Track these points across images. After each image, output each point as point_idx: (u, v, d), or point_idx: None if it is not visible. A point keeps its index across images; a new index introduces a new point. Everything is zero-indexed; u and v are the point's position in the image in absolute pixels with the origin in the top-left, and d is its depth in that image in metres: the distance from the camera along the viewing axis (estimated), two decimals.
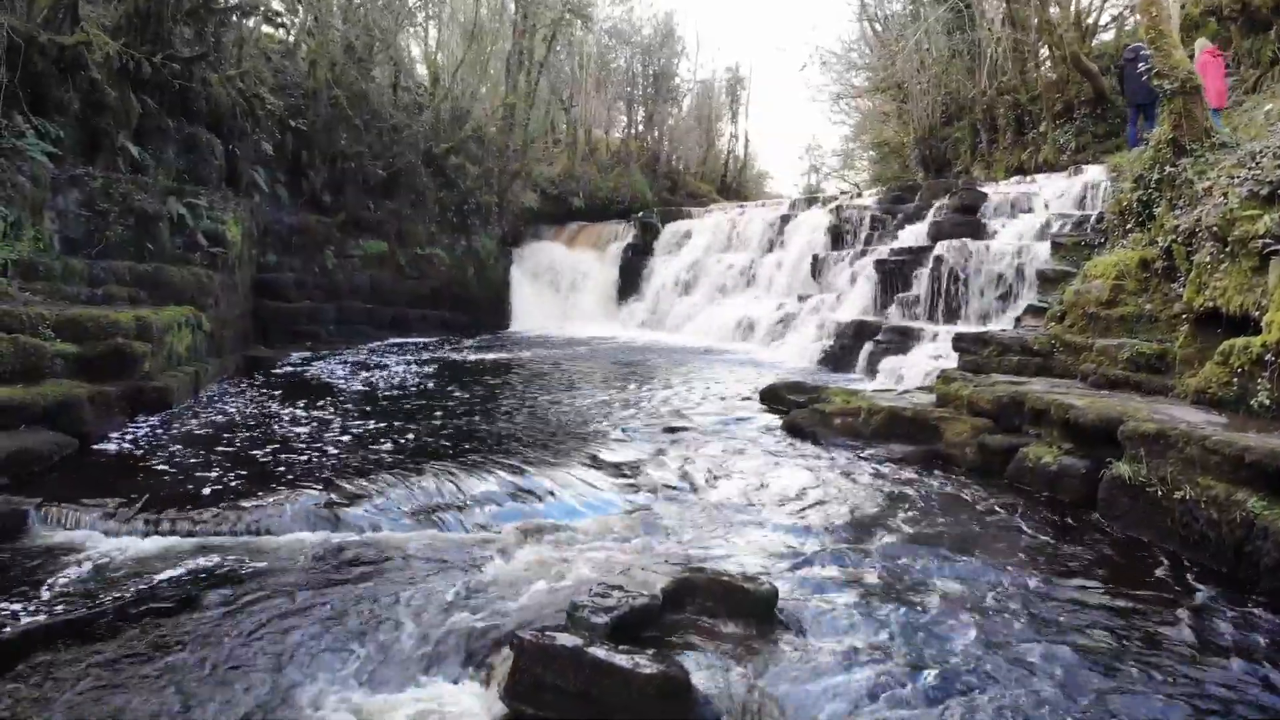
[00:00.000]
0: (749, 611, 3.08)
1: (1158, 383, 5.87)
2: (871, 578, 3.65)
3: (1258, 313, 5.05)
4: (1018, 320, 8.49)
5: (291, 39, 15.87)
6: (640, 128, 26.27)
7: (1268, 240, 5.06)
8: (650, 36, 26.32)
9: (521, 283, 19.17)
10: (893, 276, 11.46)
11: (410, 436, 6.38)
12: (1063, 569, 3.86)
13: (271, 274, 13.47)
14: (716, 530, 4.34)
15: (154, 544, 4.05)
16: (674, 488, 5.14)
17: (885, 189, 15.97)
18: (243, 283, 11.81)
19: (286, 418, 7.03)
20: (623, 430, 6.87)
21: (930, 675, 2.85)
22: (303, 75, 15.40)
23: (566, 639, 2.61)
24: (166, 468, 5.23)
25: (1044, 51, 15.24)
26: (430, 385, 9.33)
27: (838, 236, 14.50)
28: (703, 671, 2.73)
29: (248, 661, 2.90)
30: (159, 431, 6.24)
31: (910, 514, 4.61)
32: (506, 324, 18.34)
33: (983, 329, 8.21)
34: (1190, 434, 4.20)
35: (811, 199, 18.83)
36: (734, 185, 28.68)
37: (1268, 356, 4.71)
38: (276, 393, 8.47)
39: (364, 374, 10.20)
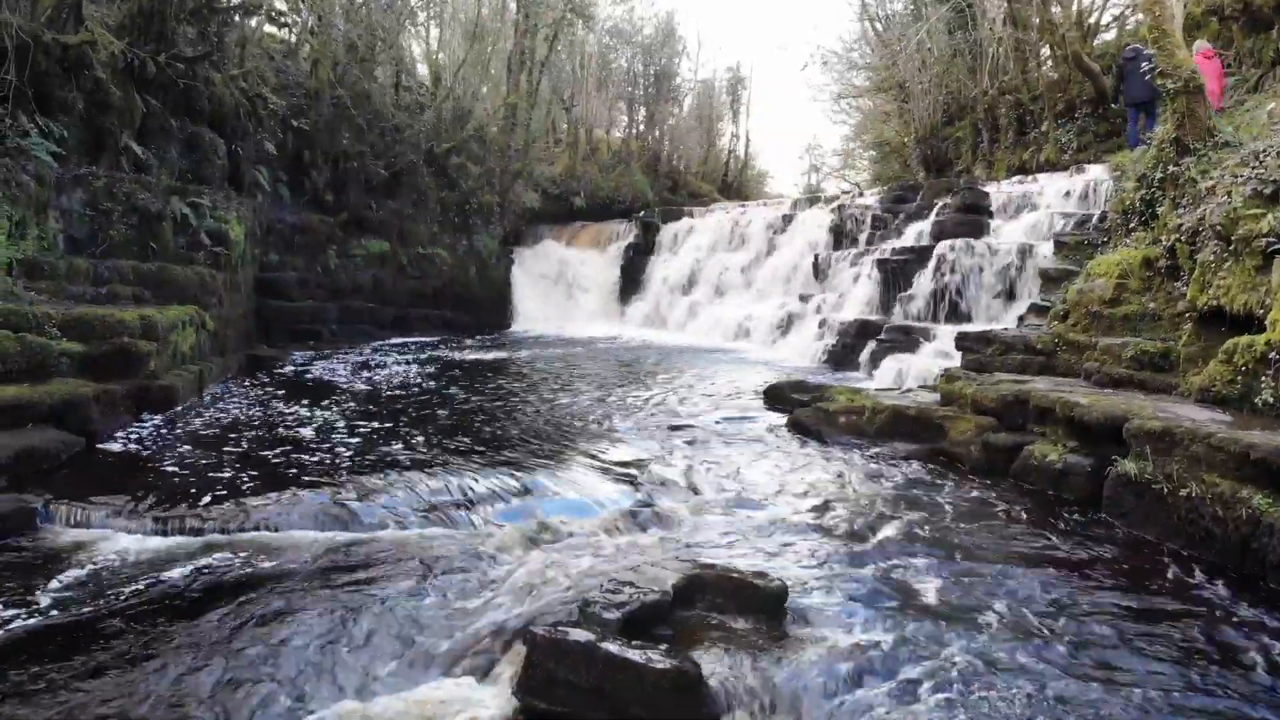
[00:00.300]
0: (759, 608, 3.10)
1: (1161, 381, 5.89)
2: (879, 575, 3.66)
3: (1262, 311, 5.08)
4: (1020, 319, 8.51)
5: (294, 39, 15.89)
6: (641, 127, 26.29)
7: (1271, 239, 5.08)
8: (651, 36, 26.34)
9: (523, 282, 19.19)
10: (895, 276, 11.48)
11: (415, 435, 6.40)
12: (1069, 566, 3.88)
13: (274, 273, 13.48)
14: (723, 528, 4.35)
15: (163, 542, 4.07)
16: (679, 486, 5.16)
17: (887, 188, 15.99)
18: (245, 282, 11.82)
19: (291, 417, 7.05)
20: (627, 428, 6.89)
21: (939, 672, 2.87)
22: (305, 75, 15.41)
23: (579, 634, 2.63)
24: (174, 466, 5.24)
25: (1045, 51, 15.26)
26: (433, 385, 9.35)
27: (839, 236, 14.51)
28: (714, 666, 2.74)
29: (259, 660, 2.91)
30: (165, 430, 6.25)
31: (916, 512, 4.63)
32: (508, 324, 18.36)
33: (986, 328, 8.23)
34: (1195, 432, 4.22)
35: (813, 198, 18.85)
36: (735, 185, 28.70)
37: (1272, 355, 4.73)
38: (280, 392, 8.48)
39: (367, 373, 10.22)
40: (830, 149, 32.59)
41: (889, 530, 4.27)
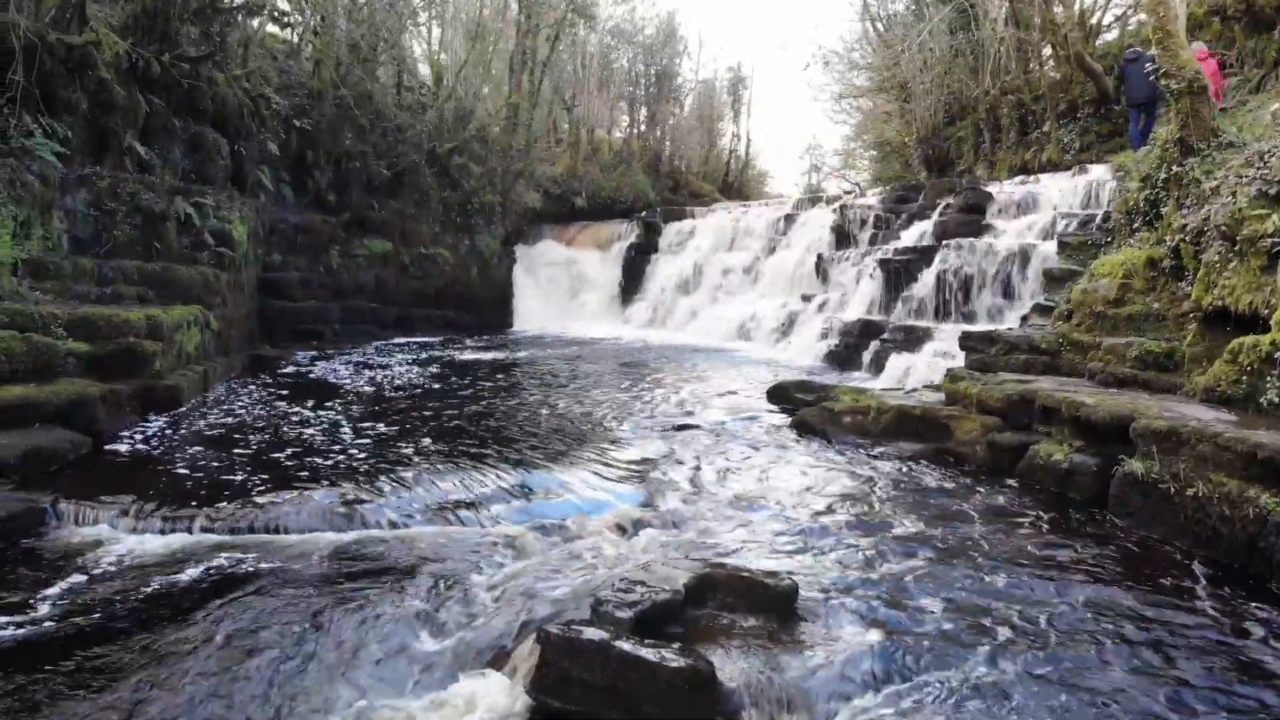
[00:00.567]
0: (770, 606, 3.11)
1: (1166, 381, 5.90)
2: (888, 575, 3.67)
3: (1267, 311, 5.08)
4: (1024, 319, 8.52)
5: (296, 39, 15.90)
6: (642, 127, 26.30)
7: (1276, 239, 5.09)
8: (652, 36, 26.34)
9: (525, 282, 19.20)
10: (897, 276, 11.49)
11: (421, 435, 6.41)
12: (1077, 566, 3.89)
13: (277, 273, 13.49)
14: (731, 527, 4.36)
15: (172, 541, 4.08)
16: (686, 485, 5.17)
17: (889, 188, 16.00)
18: (248, 282, 11.83)
19: (297, 417, 7.06)
20: (632, 428, 6.90)
21: (951, 672, 2.88)
22: (307, 75, 15.42)
23: (593, 633, 2.64)
24: (181, 466, 5.25)
25: (1047, 51, 15.27)
26: (437, 385, 9.36)
27: (841, 236, 14.52)
28: (726, 665, 2.75)
29: (270, 660, 2.91)
30: (171, 430, 6.26)
31: (923, 512, 4.64)
32: (510, 324, 18.37)
33: (989, 328, 8.23)
34: (1202, 431, 4.22)
35: (815, 198, 18.86)
36: (736, 185, 28.71)
37: (1277, 354, 4.74)
38: (284, 392, 8.49)
39: (370, 373, 10.22)
40: (831, 149, 32.64)
41: (896, 530, 4.28)
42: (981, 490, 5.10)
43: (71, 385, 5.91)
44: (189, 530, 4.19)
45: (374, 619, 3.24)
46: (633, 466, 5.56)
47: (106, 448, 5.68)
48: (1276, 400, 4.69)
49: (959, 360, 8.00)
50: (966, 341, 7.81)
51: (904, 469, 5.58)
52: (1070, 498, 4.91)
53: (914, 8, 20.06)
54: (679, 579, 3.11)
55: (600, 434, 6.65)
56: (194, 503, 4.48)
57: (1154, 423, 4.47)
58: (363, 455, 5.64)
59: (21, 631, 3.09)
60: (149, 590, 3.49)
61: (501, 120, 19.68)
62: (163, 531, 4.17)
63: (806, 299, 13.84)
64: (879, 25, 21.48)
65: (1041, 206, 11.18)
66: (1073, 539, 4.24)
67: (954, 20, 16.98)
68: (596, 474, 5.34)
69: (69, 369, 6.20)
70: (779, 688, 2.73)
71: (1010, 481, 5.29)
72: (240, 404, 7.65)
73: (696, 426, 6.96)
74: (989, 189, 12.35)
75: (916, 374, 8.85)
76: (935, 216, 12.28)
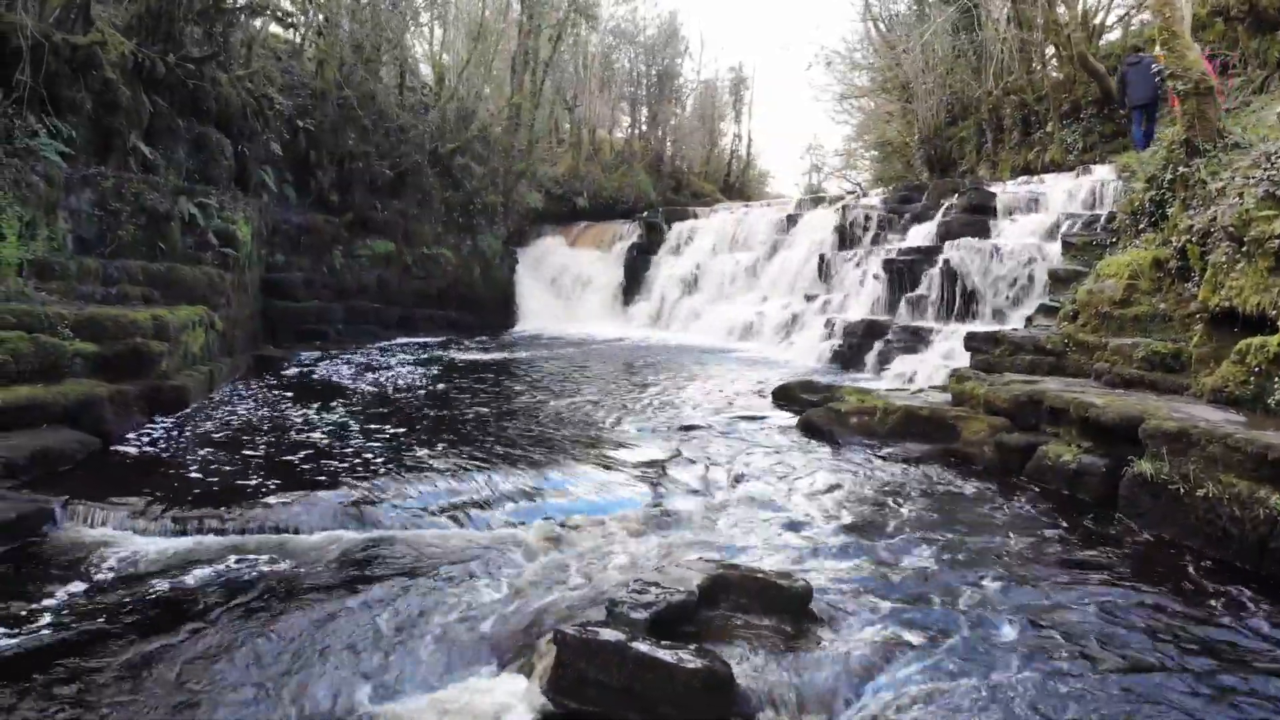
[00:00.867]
0: (783, 608, 3.11)
1: (1172, 381, 5.90)
2: (900, 576, 3.67)
3: (1274, 312, 5.09)
4: (1029, 320, 8.52)
5: (299, 39, 15.90)
6: (644, 127, 26.30)
7: None
8: (654, 36, 26.35)
9: (527, 283, 19.21)
10: (901, 276, 11.49)
11: (427, 435, 6.41)
12: (1088, 566, 3.89)
13: (280, 274, 13.48)
14: (740, 527, 4.37)
15: (183, 543, 4.08)
16: (694, 486, 5.17)
17: (891, 189, 16.00)
18: (252, 282, 11.83)
19: (303, 418, 7.06)
20: (638, 429, 6.90)
21: (964, 673, 2.88)
22: (310, 75, 15.42)
23: (609, 634, 2.64)
24: (189, 467, 5.25)
25: (1050, 51, 15.27)
26: (442, 385, 9.36)
27: (844, 236, 14.51)
28: (742, 666, 2.75)
29: (284, 662, 2.92)
30: (178, 431, 6.26)
31: (933, 513, 4.64)
32: (512, 324, 18.37)
33: (995, 328, 8.24)
34: (1212, 432, 4.23)
35: (817, 199, 18.87)
36: (737, 185, 28.72)
37: None
38: (290, 393, 8.49)
39: (375, 374, 10.22)
40: (831, 149, 32.65)
41: (906, 531, 4.28)
42: (990, 491, 5.10)
43: (79, 386, 5.91)
44: (200, 531, 4.18)
45: (386, 620, 3.24)
46: (641, 467, 5.56)
47: (114, 448, 5.68)
48: None
49: (963, 361, 8.01)
50: (971, 342, 7.82)
51: (912, 470, 5.58)
52: (1079, 498, 4.91)
53: (916, 8, 20.07)
54: (693, 580, 3.12)
55: (607, 434, 6.65)
56: (204, 504, 4.48)
57: (1164, 424, 4.47)
58: (371, 456, 5.64)
59: (36, 633, 3.09)
60: (162, 592, 3.49)
61: (503, 120, 19.68)
62: (174, 533, 4.16)
63: (810, 299, 13.84)
64: (880, 25, 21.49)
65: (1045, 207, 11.18)
66: (1083, 539, 4.24)
67: (957, 21, 16.98)
68: (605, 474, 5.34)
69: (76, 369, 6.20)
70: (794, 689, 2.73)
71: (1018, 482, 5.30)
72: (246, 405, 7.65)
73: (703, 427, 6.96)
74: (992, 189, 12.35)
75: (921, 375, 8.85)
76: (939, 217, 12.28)
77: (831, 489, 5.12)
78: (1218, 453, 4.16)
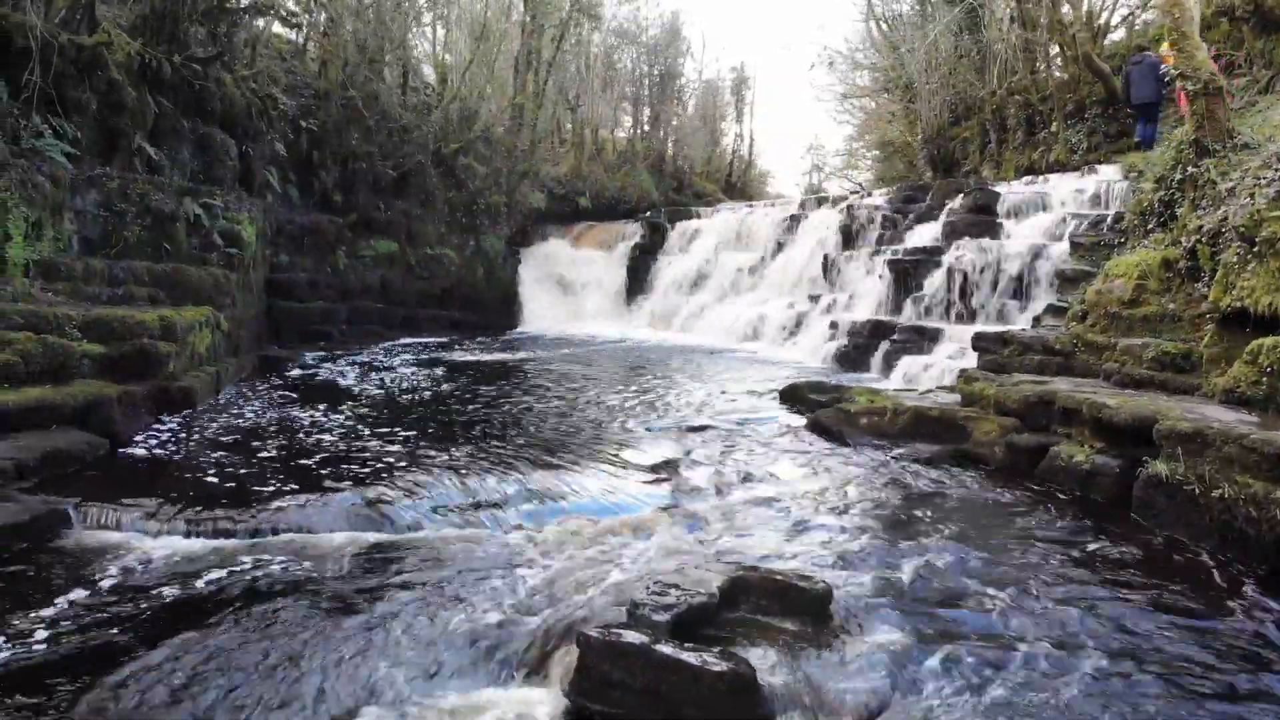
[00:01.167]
0: (804, 610, 3.10)
1: (1182, 382, 5.89)
2: (916, 577, 3.67)
3: None
4: (1037, 320, 8.51)
5: (302, 39, 15.89)
6: (646, 127, 26.29)
7: None
8: (656, 36, 26.36)
9: (530, 283, 19.19)
10: (906, 276, 11.48)
11: (436, 436, 6.40)
12: (1105, 567, 3.88)
13: (284, 274, 13.48)
14: (755, 529, 4.36)
15: (196, 544, 4.06)
16: (706, 486, 5.16)
17: (896, 189, 15.98)
18: (257, 283, 11.83)
19: (311, 418, 7.05)
20: (646, 429, 6.89)
21: (986, 676, 2.87)
22: (313, 75, 15.41)
23: (633, 636, 2.63)
24: (199, 468, 5.24)
25: (1054, 50, 15.26)
26: (447, 386, 9.35)
27: (848, 236, 14.50)
28: (764, 668, 2.74)
29: (300, 666, 2.90)
30: (186, 432, 6.25)
31: (946, 513, 4.63)
32: (515, 324, 18.37)
33: (1002, 329, 8.22)
34: (1228, 433, 4.22)
35: (821, 198, 18.86)
36: (739, 185, 28.74)
37: None
38: (296, 393, 8.48)
39: (380, 374, 10.21)
40: (832, 149, 32.66)
41: (921, 531, 4.27)
42: (1003, 491, 5.10)
43: (88, 387, 5.90)
44: (213, 533, 4.17)
45: (402, 623, 3.23)
46: (651, 468, 5.55)
47: (122, 450, 5.67)
48: None
49: (970, 361, 8.00)
50: (979, 342, 7.81)
51: (923, 470, 5.57)
52: (1092, 499, 4.90)
53: (918, 8, 20.06)
54: (713, 582, 3.11)
55: (615, 434, 6.64)
56: (216, 505, 4.47)
57: (1178, 424, 4.46)
58: (380, 456, 5.63)
59: (56, 637, 3.07)
60: (178, 594, 3.48)
61: (506, 120, 19.67)
62: (187, 535, 4.15)
63: (814, 299, 13.82)
64: (883, 25, 21.49)
65: (1051, 207, 11.16)
66: (1099, 541, 4.23)
67: (961, 20, 16.98)
68: (616, 475, 5.33)
69: (84, 370, 6.19)
70: (817, 692, 2.72)
71: (1030, 483, 5.29)
72: (253, 405, 7.64)
73: (711, 427, 6.95)
74: (997, 189, 12.33)
75: (928, 375, 8.84)
76: (943, 217, 12.26)
77: (844, 490, 5.11)
78: (1234, 453, 4.15)
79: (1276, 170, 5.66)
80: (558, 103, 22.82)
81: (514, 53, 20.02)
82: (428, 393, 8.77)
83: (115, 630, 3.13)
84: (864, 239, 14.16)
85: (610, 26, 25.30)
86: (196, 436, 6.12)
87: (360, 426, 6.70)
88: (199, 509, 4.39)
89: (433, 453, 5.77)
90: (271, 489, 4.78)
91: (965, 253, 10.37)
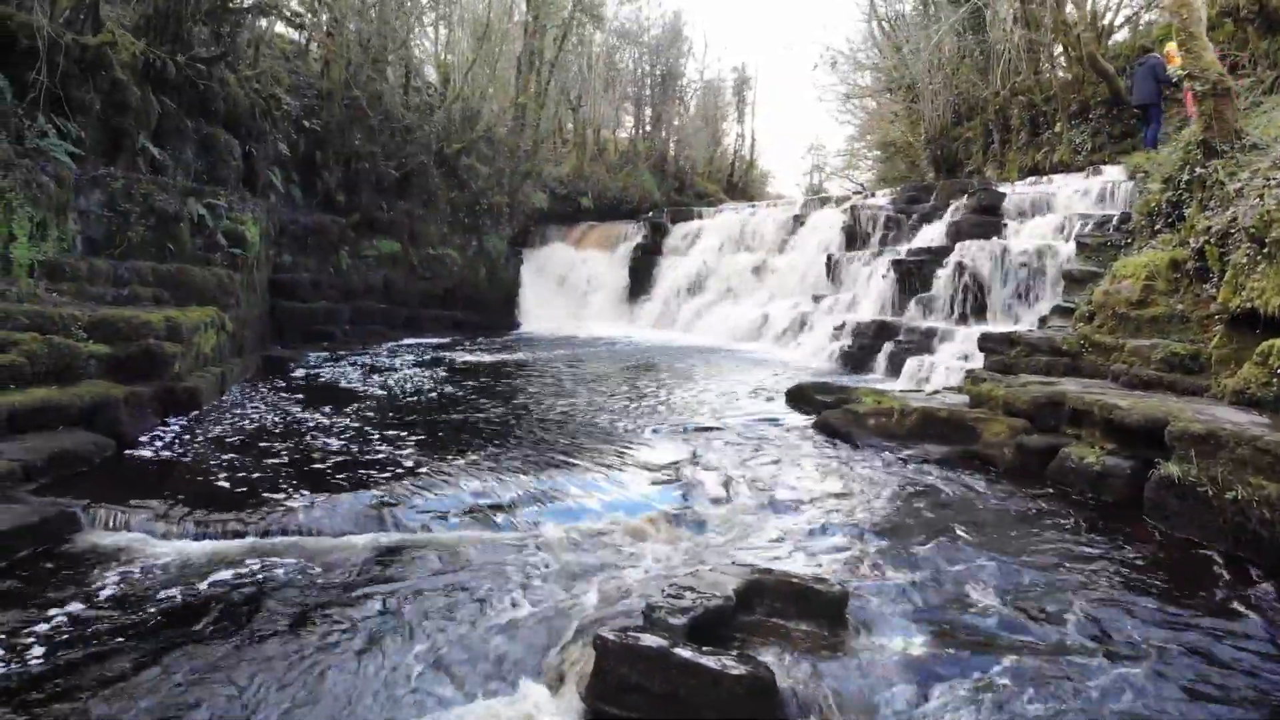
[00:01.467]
0: (820, 613, 3.09)
1: (1191, 383, 5.88)
2: (931, 579, 3.65)
3: None
4: (1043, 320, 8.49)
5: (305, 39, 15.88)
6: (648, 128, 26.29)
7: None
8: (658, 36, 26.36)
9: (532, 283, 19.18)
10: (911, 277, 11.46)
11: (443, 437, 6.38)
12: (1118, 569, 3.87)
13: (287, 274, 13.46)
14: (766, 531, 4.34)
15: (206, 546, 4.05)
16: (715, 488, 5.12)
17: (899, 189, 15.96)
18: (260, 283, 11.81)
19: (317, 419, 7.03)
20: (652, 430, 6.87)
21: (1003, 680, 2.86)
22: (315, 75, 15.40)
23: (651, 640, 2.61)
24: (207, 469, 5.22)
25: (1058, 51, 15.25)
26: (452, 386, 9.33)
27: (852, 236, 14.48)
28: (781, 671, 2.72)
29: (311, 672, 2.87)
30: (192, 433, 6.23)
31: (958, 515, 4.61)
32: (518, 324, 18.35)
33: (1009, 329, 8.21)
34: (1241, 434, 4.20)
35: (824, 199, 18.84)
36: (740, 185, 28.75)
37: None
38: (301, 394, 8.46)
39: (385, 375, 10.19)
40: (833, 149, 32.65)
41: (934, 534, 4.25)
42: (1014, 493, 5.08)
43: (94, 387, 5.89)
44: (222, 535, 4.15)
45: (413, 626, 3.21)
46: (659, 469, 5.53)
47: (129, 451, 5.65)
48: None
49: (977, 362, 7.99)
50: (986, 343, 7.79)
51: (933, 472, 5.56)
52: (1103, 500, 4.89)
53: (921, 9, 20.05)
54: (728, 584, 3.09)
55: (622, 435, 6.62)
56: (224, 506, 4.45)
57: (1191, 426, 4.45)
58: (387, 457, 5.61)
59: (69, 640, 3.06)
60: (189, 596, 3.46)
61: (508, 121, 19.66)
62: (196, 536, 4.13)
63: (817, 300, 13.80)
64: (885, 25, 21.48)
65: (1055, 208, 11.15)
66: (1112, 542, 4.22)
67: (964, 21, 16.97)
68: (624, 476, 5.31)
69: (90, 371, 6.18)
70: (834, 695, 2.71)
71: (1041, 484, 5.27)
72: (258, 406, 7.62)
73: (717, 428, 6.93)
74: (1002, 190, 12.31)
75: (934, 376, 8.82)
76: (948, 217, 12.25)
77: (854, 491, 5.09)
78: (1247, 455, 4.13)
79: None
80: (560, 103, 22.81)
81: (516, 53, 20.01)
82: (432, 394, 8.75)
83: (128, 634, 3.12)
84: (868, 239, 14.14)
85: (612, 27, 25.30)
86: (203, 437, 6.10)
87: (366, 428, 6.68)
88: (208, 510, 4.38)
89: (439, 454, 5.75)
90: (279, 491, 4.76)
91: (970, 253, 10.35)
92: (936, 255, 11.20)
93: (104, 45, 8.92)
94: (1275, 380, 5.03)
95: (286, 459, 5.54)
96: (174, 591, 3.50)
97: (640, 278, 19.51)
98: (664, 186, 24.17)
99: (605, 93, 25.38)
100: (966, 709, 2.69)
